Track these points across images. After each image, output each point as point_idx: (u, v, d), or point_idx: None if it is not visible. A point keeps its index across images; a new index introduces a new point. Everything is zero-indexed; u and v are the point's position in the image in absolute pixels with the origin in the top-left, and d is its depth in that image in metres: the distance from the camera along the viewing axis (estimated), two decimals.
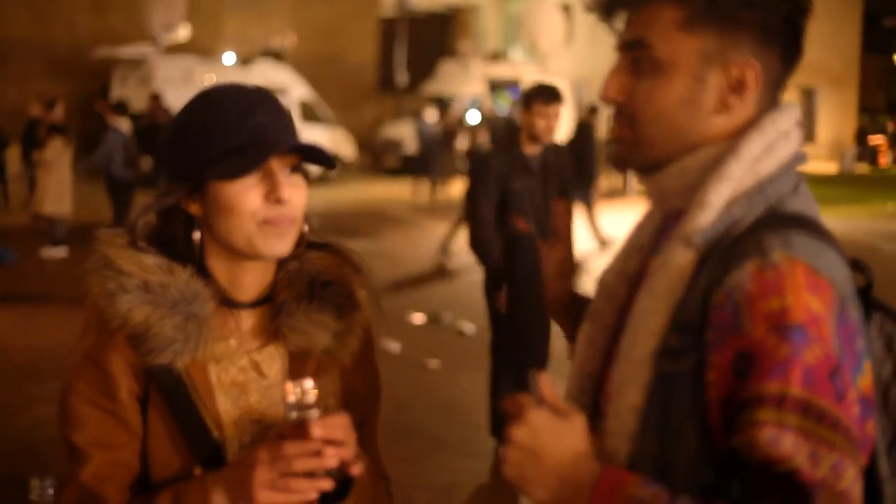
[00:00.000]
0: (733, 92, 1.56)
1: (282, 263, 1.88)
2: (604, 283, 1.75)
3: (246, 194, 1.76)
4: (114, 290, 1.74)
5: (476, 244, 6.20)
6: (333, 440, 1.60)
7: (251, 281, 1.85)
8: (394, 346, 8.64)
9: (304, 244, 1.88)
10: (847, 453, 1.39)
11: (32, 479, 5.70)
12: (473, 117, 25.88)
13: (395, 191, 24.31)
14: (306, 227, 1.88)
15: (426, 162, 23.54)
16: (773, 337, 1.39)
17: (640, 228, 1.75)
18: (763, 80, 1.56)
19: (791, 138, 1.58)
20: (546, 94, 6.00)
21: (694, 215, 1.53)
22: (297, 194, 1.79)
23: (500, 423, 6.13)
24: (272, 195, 1.76)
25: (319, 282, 1.87)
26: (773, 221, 1.49)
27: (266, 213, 1.76)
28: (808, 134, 33.70)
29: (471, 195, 6.37)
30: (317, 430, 1.59)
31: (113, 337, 1.74)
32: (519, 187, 6.07)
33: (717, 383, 1.44)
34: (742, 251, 1.45)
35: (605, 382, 1.65)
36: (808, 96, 36.63)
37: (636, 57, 1.59)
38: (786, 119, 1.58)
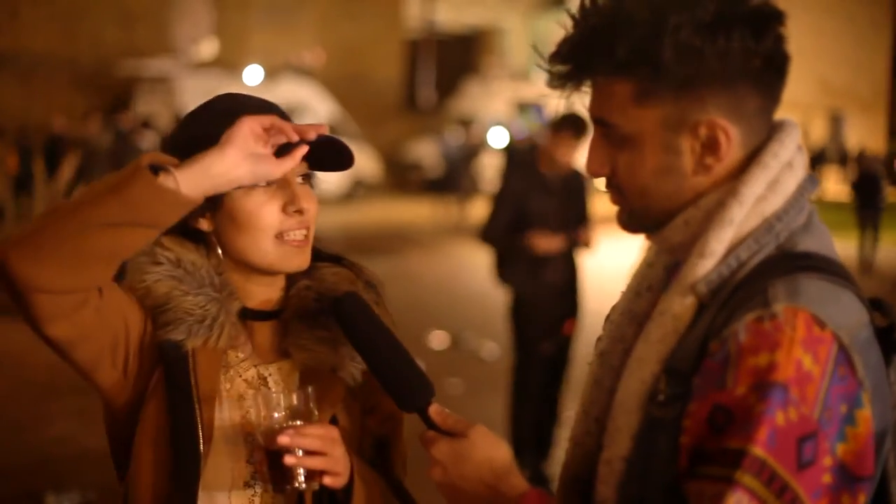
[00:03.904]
0: (708, 153, 1.47)
1: (291, 277, 1.83)
2: (612, 322, 1.67)
3: (264, 207, 1.73)
4: (146, 261, 1.74)
5: (496, 267, 6.33)
6: (303, 447, 1.62)
7: (262, 295, 1.82)
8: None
9: (315, 257, 1.84)
10: None
11: (48, 494, 5.73)
12: (497, 137, 25.86)
13: (419, 210, 24.30)
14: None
15: (450, 181, 23.56)
16: (753, 395, 1.34)
17: (648, 266, 1.67)
18: (740, 126, 1.47)
19: (795, 168, 1.50)
20: (576, 127, 5.99)
21: (694, 264, 1.46)
22: (312, 204, 1.78)
23: (520, 448, 6.13)
24: (292, 205, 1.74)
25: (329, 298, 1.80)
26: (782, 264, 1.42)
27: (282, 225, 1.74)
28: (842, 158, 33.46)
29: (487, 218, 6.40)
30: (284, 439, 1.61)
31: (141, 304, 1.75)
32: (537, 207, 6.06)
33: (690, 430, 1.40)
34: (746, 299, 1.39)
35: None
36: (837, 121, 36.50)
37: (606, 132, 1.53)
38: (787, 148, 1.49)
